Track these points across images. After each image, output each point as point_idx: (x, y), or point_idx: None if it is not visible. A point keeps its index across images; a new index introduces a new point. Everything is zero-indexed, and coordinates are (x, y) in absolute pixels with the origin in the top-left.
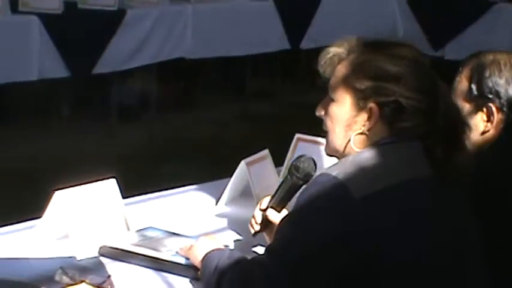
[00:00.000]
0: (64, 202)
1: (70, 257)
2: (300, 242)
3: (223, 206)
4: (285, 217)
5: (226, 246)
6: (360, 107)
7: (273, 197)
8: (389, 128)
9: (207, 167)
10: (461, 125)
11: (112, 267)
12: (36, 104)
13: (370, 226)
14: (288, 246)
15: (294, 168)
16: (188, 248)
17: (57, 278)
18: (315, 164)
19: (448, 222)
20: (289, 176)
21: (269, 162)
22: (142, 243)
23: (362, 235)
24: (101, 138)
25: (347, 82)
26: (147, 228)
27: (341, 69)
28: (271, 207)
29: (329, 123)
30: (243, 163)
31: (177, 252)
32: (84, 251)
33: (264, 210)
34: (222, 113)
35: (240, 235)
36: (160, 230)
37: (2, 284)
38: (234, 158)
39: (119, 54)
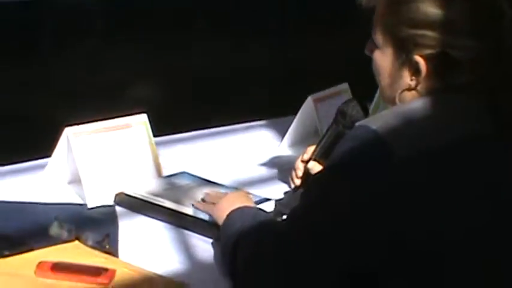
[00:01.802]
0: (76, 139)
1: (80, 205)
2: (322, 211)
3: (285, 149)
4: (313, 176)
5: (258, 202)
6: (403, 60)
7: (317, 147)
8: (442, 82)
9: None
10: None
11: (126, 219)
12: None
13: (414, 197)
14: (308, 214)
15: (340, 114)
16: (211, 202)
17: (51, 231)
18: (366, 109)
19: None
20: (334, 124)
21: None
22: (166, 192)
23: (402, 207)
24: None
25: (384, 25)
26: (180, 173)
27: (380, 4)
28: (314, 159)
29: (374, 70)
30: (309, 99)
31: (192, 205)
32: (97, 198)
33: (307, 162)
34: None
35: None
36: (195, 177)
37: None
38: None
39: None
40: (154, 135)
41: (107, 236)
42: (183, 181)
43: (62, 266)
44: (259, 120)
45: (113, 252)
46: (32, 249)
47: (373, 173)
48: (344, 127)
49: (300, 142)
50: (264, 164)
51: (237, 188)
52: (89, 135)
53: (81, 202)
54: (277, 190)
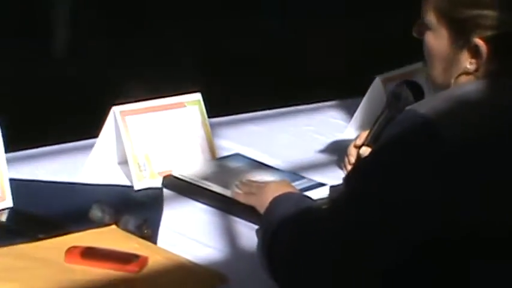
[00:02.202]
0: (124, 119)
1: (126, 187)
2: (364, 200)
3: (352, 132)
4: (359, 163)
5: (307, 189)
6: (461, 43)
7: (370, 131)
8: (499, 65)
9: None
10: None
11: (172, 203)
12: None
13: (465, 187)
14: (349, 203)
15: (393, 97)
16: (250, 191)
17: (90, 214)
18: (421, 92)
19: None
20: (387, 107)
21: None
22: (215, 175)
23: (451, 198)
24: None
25: (439, 5)
26: (233, 155)
27: None
28: (367, 144)
29: (426, 53)
30: (377, 80)
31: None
32: (145, 180)
33: (360, 148)
34: None
35: None
36: (249, 159)
37: (18, 218)
38: None
39: None
40: (209, 116)
41: (146, 220)
42: (235, 164)
43: (91, 252)
44: (326, 101)
45: (151, 237)
46: (68, 233)
47: (419, 158)
48: (398, 111)
49: (368, 125)
50: (326, 148)
51: (294, 172)
52: (138, 115)
53: (128, 184)
54: (337, 176)
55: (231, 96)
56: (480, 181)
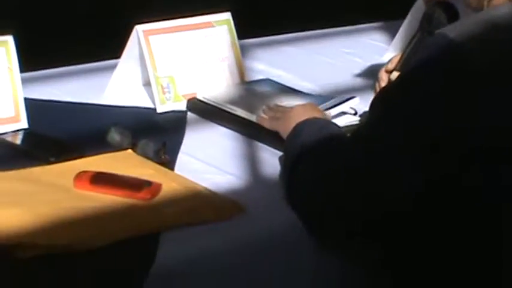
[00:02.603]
0: (147, 38)
1: (149, 109)
2: (386, 128)
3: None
4: (383, 89)
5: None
6: None
7: (402, 56)
8: None
9: None
10: None
11: (195, 127)
12: None
13: (495, 120)
14: (372, 130)
15: (426, 18)
16: (274, 116)
17: (108, 137)
18: (456, 12)
19: None
20: (419, 30)
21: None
22: (242, 99)
23: (478, 130)
24: None
25: None
26: (262, 80)
27: None
28: (398, 69)
29: None
30: (419, 0)
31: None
32: (168, 103)
33: (391, 72)
34: None
35: None
36: (279, 84)
37: (32, 141)
38: None
39: None
40: (239, 38)
41: (165, 145)
42: (263, 88)
43: (102, 177)
44: (366, 22)
45: (169, 163)
46: (82, 156)
47: (444, 89)
48: (430, 34)
49: None
50: (363, 72)
51: (324, 97)
52: (162, 35)
53: (151, 106)
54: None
55: (262, 17)
56: (504, 108)
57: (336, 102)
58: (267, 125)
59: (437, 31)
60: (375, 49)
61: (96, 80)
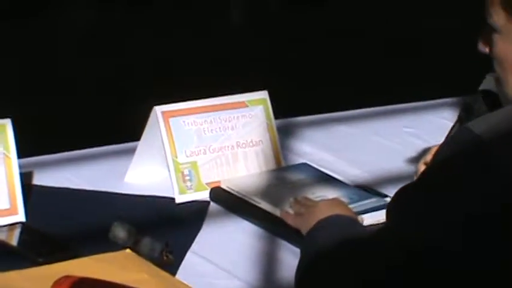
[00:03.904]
0: (166, 120)
1: (167, 198)
2: (410, 226)
3: None
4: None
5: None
6: None
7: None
8: None
9: None
10: None
11: (215, 220)
12: None
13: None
14: (399, 232)
15: (464, 109)
16: (299, 211)
17: (110, 235)
18: (499, 103)
19: None
20: (458, 121)
21: None
22: (270, 189)
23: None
24: None
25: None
26: (299, 165)
27: None
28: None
29: (497, 67)
30: (488, 77)
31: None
32: (189, 192)
33: None
34: None
35: None
36: (316, 170)
37: (25, 238)
38: None
39: None
40: (285, 115)
41: (167, 245)
42: (297, 176)
43: (83, 285)
44: (436, 98)
45: (172, 264)
46: (75, 256)
47: (470, 185)
48: None
49: None
50: (421, 157)
51: (366, 188)
52: (185, 116)
53: (170, 196)
54: None
55: (300, 95)
56: None
57: (371, 206)
58: (290, 221)
59: (464, 125)
60: (441, 129)
61: (115, 164)
